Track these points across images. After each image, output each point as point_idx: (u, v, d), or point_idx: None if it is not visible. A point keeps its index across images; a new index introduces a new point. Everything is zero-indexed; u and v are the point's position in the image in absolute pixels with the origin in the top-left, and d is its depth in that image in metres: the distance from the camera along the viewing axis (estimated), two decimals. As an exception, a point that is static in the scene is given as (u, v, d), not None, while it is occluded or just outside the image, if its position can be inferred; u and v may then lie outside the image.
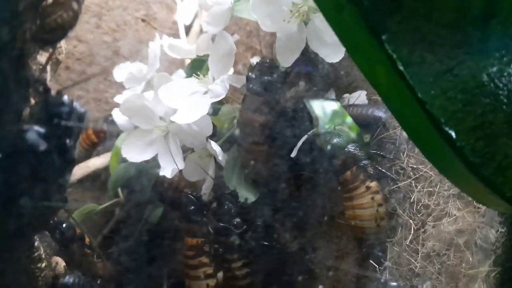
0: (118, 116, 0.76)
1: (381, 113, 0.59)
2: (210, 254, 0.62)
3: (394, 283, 0.51)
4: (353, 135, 0.59)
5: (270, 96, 0.60)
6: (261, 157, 0.62)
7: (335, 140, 0.58)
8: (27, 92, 0.35)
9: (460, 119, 0.32)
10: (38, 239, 0.46)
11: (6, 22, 0.31)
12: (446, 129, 0.32)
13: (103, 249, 0.71)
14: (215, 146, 0.62)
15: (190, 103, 0.62)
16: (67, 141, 0.36)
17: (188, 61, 0.82)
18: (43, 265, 0.47)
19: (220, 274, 0.64)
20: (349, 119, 0.60)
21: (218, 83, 0.61)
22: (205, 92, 0.64)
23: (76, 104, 0.40)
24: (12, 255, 0.41)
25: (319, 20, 0.54)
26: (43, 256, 0.47)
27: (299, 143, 0.59)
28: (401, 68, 0.30)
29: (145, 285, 0.68)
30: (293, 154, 0.59)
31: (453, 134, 0.32)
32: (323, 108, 0.62)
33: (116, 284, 0.68)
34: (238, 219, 0.62)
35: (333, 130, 0.60)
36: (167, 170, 0.64)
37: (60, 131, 0.36)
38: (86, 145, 0.86)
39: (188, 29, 0.99)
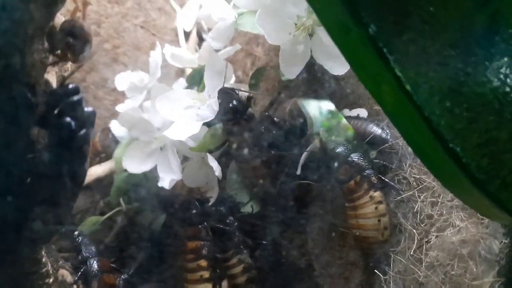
0: (117, 128, 0.77)
1: (382, 131, 0.59)
2: (208, 257, 0.62)
3: None
4: (350, 134, 0.59)
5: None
6: (259, 172, 0.62)
7: (338, 149, 0.59)
8: (35, 114, 0.35)
9: (466, 137, 0.33)
10: (45, 254, 0.46)
11: (17, 49, 0.31)
12: (452, 146, 0.32)
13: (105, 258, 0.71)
14: (212, 162, 0.62)
15: (183, 119, 0.63)
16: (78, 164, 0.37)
17: (189, 70, 0.83)
18: (51, 280, 0.47)
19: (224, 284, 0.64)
20: (344, 120, 0.60)
21: (205, 108, 0.62)
22: (200, 108, 0.64)
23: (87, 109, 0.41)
24: (20, 272, 0.41)
25: (324, 33, 0.55)
26: (51, 271, 0.47)
27: (302, 160, 0.59)
28: (408, 88, 0.31)
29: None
30: (298, 172, 0.59)
31: (459, 151, 0.33)
32: (319, 108, 0.62)
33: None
34: (236, 222, 0.64)
35: (333, 137, 0.60)
36: (165, 181, 0.64)
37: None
38: (91, 153, 0.86)
39: (186, 35, 0.99)
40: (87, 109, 0.47)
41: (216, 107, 0.61)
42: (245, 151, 0.62)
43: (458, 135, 0.33)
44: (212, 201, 0.65)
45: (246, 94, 0.67)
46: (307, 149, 0.60)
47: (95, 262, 0.60)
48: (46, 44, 0.37)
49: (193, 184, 0.69)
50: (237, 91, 0.63)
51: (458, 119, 0.33)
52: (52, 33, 0.38)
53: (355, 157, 0.58)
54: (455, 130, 0.33)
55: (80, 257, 0.61)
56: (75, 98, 0.44)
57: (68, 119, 0.42)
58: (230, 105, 0.61)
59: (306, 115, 0.62)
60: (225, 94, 0.61)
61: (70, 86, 0.44)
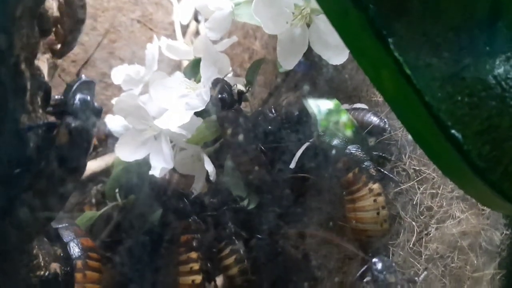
0: (112, 122, 0.76)
1: (381, 121, 0.58)
2: (199, 249, 0.62)
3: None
4: (349, 133, 0.59)
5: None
6: (256, 164, 0.62)
7: (335, 142, 0.58)
8: (25, 100, 0.35)
9: (467, 123, 0.32)
10: (37, 246, 0.45)
11: (3, 29, 0.30)
12: (453, 132, 0.32)
13: (101, 253, 0.70)
14: (208, 165, 0.62)
15: (176, 107, 0.63)
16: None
17: (185, 63, 0.82)
18: (42, 273, 0.46)
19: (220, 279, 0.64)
20: (344, 118, 0.59)
21: (194, 97, 0.62)
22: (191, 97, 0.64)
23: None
24: (12, 265, 0.40)
25: (322, 22, 0.54)
26: (42, 264, 0.46)
27: (298, 153, 0.58)
28: (408, 72, 0.30)
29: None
30: (292, 165, 0.59)
31: (460, 138, 0.32)
32: (318, 107, 0.61)
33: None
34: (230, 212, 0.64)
35: (331, 130, 0.60)
36: (156, 170, 0.64)
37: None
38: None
39: (184, 30, 0.98)
40: (95, 104, 0.47)
41: (206, 97, 0.61)
42: (238, 139, 0.61)
43: (459, 121, 0.32)
44: (194, 193, 0.65)
45: (239, 88, 0.66)
46: (304, 144, 0.59)
47: (75, 244, 0.58)
48: (36, 30, 0.36)
49: (183, 171, 0.68)
50: (233, 86, 0.63)
51: (459, 105, 0.32)
52: (43, 17, 0.37)
53: (352, 149, 0.57)
54: (456, 116, 0.32)
55: (59, 245, 0.59)
56: (85, 92, 0.44)
57: (77, 111, 0.42)
58: (219, 96, 0.61)
59: (312, 114, 0.61)
60: (215, 84, 0.61)
61: (83, 79, 0.45)
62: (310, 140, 0.59)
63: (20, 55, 0.34)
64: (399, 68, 0.30)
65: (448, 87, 0.31)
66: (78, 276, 0.55)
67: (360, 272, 0.53)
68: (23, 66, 0.34)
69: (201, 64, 0.63)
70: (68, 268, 0.54)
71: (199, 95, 0.61)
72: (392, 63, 0.30)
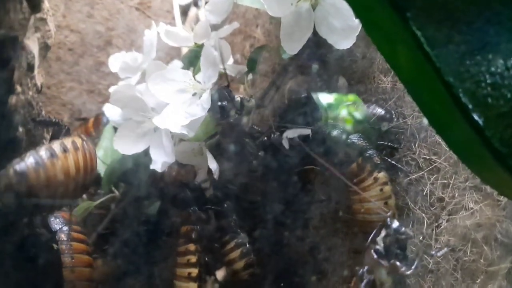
0: (110, 111, 0.74)
1: (386, 111, 0.56)
2: (198, 242, 0.61)
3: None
4: (348, 128, 0.57)
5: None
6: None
7: (335, 133, 0.56)
8: (12, 80, 0.32)
9: (489, 105, 0.30)
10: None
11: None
12: (474, 115, 0.29)
13: (99, 246, 0.69)
14: (211, 163, 0.60)
15: (175, 104, 0.60)
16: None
17: (184, 51, 0.79)
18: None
19: (220, 273, 0.62)
20: (344, 112, 0.57)
21: (195, 105, 0.59)
22: (194, 94, 0.61)
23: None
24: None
25: (328, 4, 0.51)
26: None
27: (286, 135, 0.56)
28: (426, 48, 0.28)
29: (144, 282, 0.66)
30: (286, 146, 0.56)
31: (481, 121, 0.29)
32: (318, 100, 0.59)
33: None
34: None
35: (336, 120, 0.58)
36: (157, 164, 0.61)
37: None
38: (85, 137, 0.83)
39: (183, 18, 0.96)
40: None
41: (206, 105, 0.58)
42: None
43: (480, 103, 0.29)
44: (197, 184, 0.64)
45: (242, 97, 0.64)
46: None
47: (53, 218, 0.56)
48: (25, 4, 0.34)
49: (185, 162, 0.66)
50: (235, 97, 0.61)
51: (480, 85, 0.29)
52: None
53: (354, 138, 0.54)
54: (478, 97, 0.29)
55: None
56: None
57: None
58: (219, 103, 0.59)
59: (320, 106, 0.59)
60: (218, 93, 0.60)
61: None
62: (311, 127, 0.57)
63: (6, 32, 0.31)
64: (417, 43, 0.28)
65: (470, 66, 0.29)
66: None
67: (372, 234, 0.49)
68: (10, 43, 0.31)
69: (201, 60, 0.60)
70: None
71: (198, 104, 0.59)
72: (410, 38, 0.28)
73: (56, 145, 0.54)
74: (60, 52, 0.94)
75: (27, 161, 0.51)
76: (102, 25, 0.99)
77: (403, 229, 0.45)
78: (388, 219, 0.46)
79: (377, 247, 0.46)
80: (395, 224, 0.46)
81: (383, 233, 0.46)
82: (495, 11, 0.30)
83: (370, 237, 0.48)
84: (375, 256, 0.46)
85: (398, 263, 0.44)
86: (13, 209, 0.49)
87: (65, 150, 0.54)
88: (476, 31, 0.30)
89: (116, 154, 0.74)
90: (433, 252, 0.46)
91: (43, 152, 0.52)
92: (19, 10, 0.32)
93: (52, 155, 0.53)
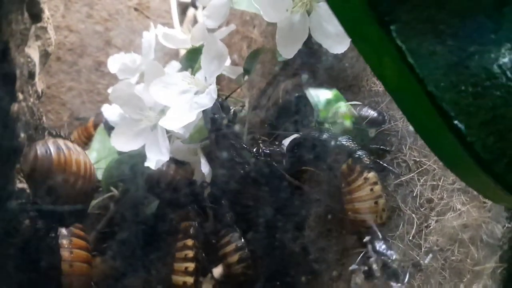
0: (108, 111, 0.75)
1: (379, 114, 0.57)
2: (195, 237, 0.62)
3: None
4: (348, 124, 0.58)
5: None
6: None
7: (324, 136, 0.57)
8: (14, 88, 0.33)
9: (471, 113, 0.31)
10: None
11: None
12: (456, 123, 0.31)
13: (98, 244, 0.70)
14: (204, 167, 0.61)
15: (179, 105, 0.62)
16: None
17: (183, 52, 0.80)
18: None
19: (218, 270, 0.63)
20: (343, 108, 0.58)
21: (204, 96, 0.60)
22: (196, 92, 0.62)
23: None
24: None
25: (323, 10, 0.53)
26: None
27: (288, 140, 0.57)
28: (410, 60, 0.29)
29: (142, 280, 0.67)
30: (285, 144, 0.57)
31: (463, 128, 0.31)
32: (317, 96, 0.60)
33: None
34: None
35: (330, 119, 0.59)
36: (152, 161, 0.63)
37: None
38: (84, 138, 0.84)
39: (182, 18, 0.97)
40: None
41: (214, 95, 0.59)
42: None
43: (463, 112, 0.31)
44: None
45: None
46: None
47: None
48: (26, 15, 0.35)
49: (180, 158, 0.67)
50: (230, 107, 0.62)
51: (463, 95, 0.31)
52: (32, 1, 0.36)
53: (343, 140, 0.56)
54: (460, 106, 0.31)
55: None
56: None
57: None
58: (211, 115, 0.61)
59: (313, 104, 0.60)
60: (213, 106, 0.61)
61: None
62: (300, 133, 0.59)
63: (8, 41, 0.32)
64: (401, 55, 0.29)
65: (452, 76, 0.30)
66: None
67: (357, 261, 0.51)
68: (12, 53, 0.33)
69: (203, 57, 0.61)
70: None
71: (208, 93, 0.60)
72: (395, 50, 0.29)
73: (61, 142, 0.57)
74: (59, 52, 0.95)
75: (49, 144, 0.54)
76: (101, 25, 1.00)
77: (389, 251, 0.47)
78: (375, 241, 0.49)
79: (365, 268, 0.48)
80: (380, 244, 0.48)
81: (370, 253, 0.48)
82: (478, 23, 0.32)
83: (357, 260, 0.50)
84: (363, 277, 0.47)
85: (392, 283, 0.46)
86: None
87: (68, 148, 0.57)
88: (459, 43, 0.31)
89: (110, 154, 0.75)
90: (421, 262, 0.48)
91: (56, 142, 0.56)
92: (20, 21, 0.33)
93: (64, 147, 0.56)
